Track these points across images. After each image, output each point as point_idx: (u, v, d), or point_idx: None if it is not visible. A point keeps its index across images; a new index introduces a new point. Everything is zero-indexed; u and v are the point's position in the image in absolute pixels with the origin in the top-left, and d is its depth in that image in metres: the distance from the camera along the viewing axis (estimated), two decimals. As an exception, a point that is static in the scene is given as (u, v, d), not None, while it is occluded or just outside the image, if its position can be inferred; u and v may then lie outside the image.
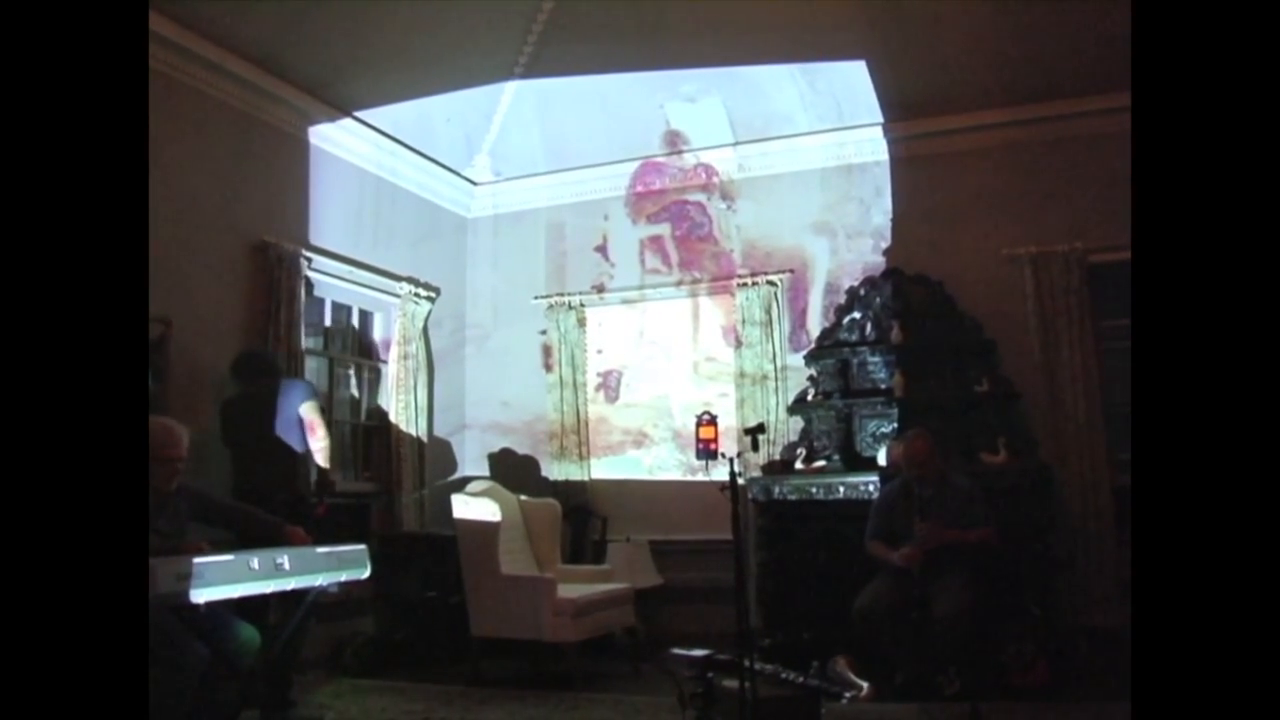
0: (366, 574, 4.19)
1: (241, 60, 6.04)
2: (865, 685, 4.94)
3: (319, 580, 3.94)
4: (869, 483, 6.28)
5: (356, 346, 7.58)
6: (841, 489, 6.40)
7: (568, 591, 5.81)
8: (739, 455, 4.24)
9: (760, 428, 4.24)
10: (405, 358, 7.48)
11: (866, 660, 5.17)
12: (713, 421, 4.56)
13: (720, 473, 7.29)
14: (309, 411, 5.38)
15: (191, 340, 5.61)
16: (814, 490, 6.48)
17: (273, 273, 6.21)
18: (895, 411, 6.71)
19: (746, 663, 3.53)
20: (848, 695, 4.87)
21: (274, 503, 4.78)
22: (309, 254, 6.54)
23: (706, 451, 4.61)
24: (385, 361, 7.60)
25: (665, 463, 7.87)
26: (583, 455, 7.95)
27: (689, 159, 7.95)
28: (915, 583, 5.13)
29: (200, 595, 3.27)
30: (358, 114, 7.03)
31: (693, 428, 7.63)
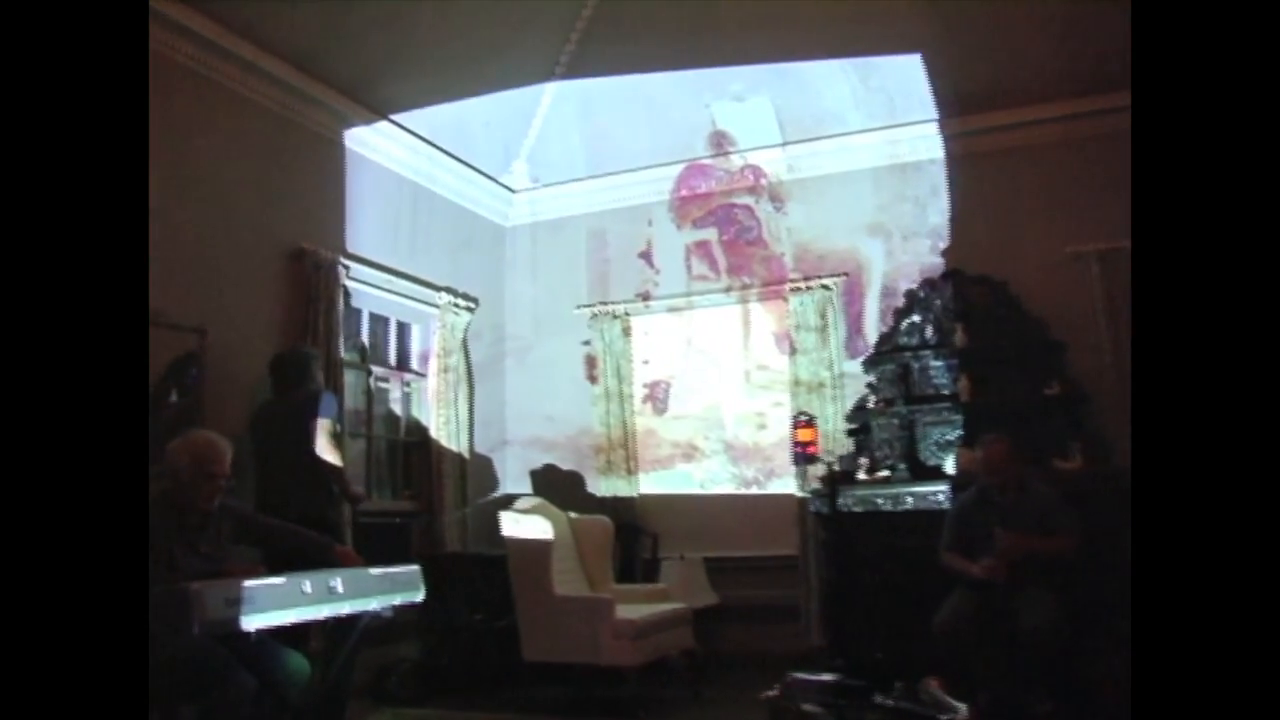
0: (420, 597, 3.96)
1: (278, 60, 5.83)
2: (963, 707, 4.62)
3: (372, 604, 3.69)
4: (938, 492, 5.99)
5: (395, 358, 7.31)
6: (909, 499, 6.11)
7: (626, 612, 5.53)
8: (838, 460, 3.92)
9: (864, 427, 3.93)
10: (445, 370, 7.23)
11: (950, 679, 4.86)
12: (811, 423, 4.24)
13: (778, 485, 7.16)
14: (324, 429, 5.07)
15: (226, 351, 5.35)
16: (879, 501, 6.18)
17: (310, 281, 5.96)
18: (960, 418, 6.42)
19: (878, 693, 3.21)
20: (944, 719, 4.54)
21: (306, 523, 4.51)
22: (346, 262, 6.30)
23: (805, 456, 4.28)
24: (424, 374, 7.34)
25: (717, 476, 7.60)
26: (630, 470, 7.68)
27: (736, 160, 7.69)
28: (999, 596, 4.81)
29: (251, 622, 2.99)
30: (394, 117, 6.81)
31: (745, 439, 7.51)
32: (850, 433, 3.95)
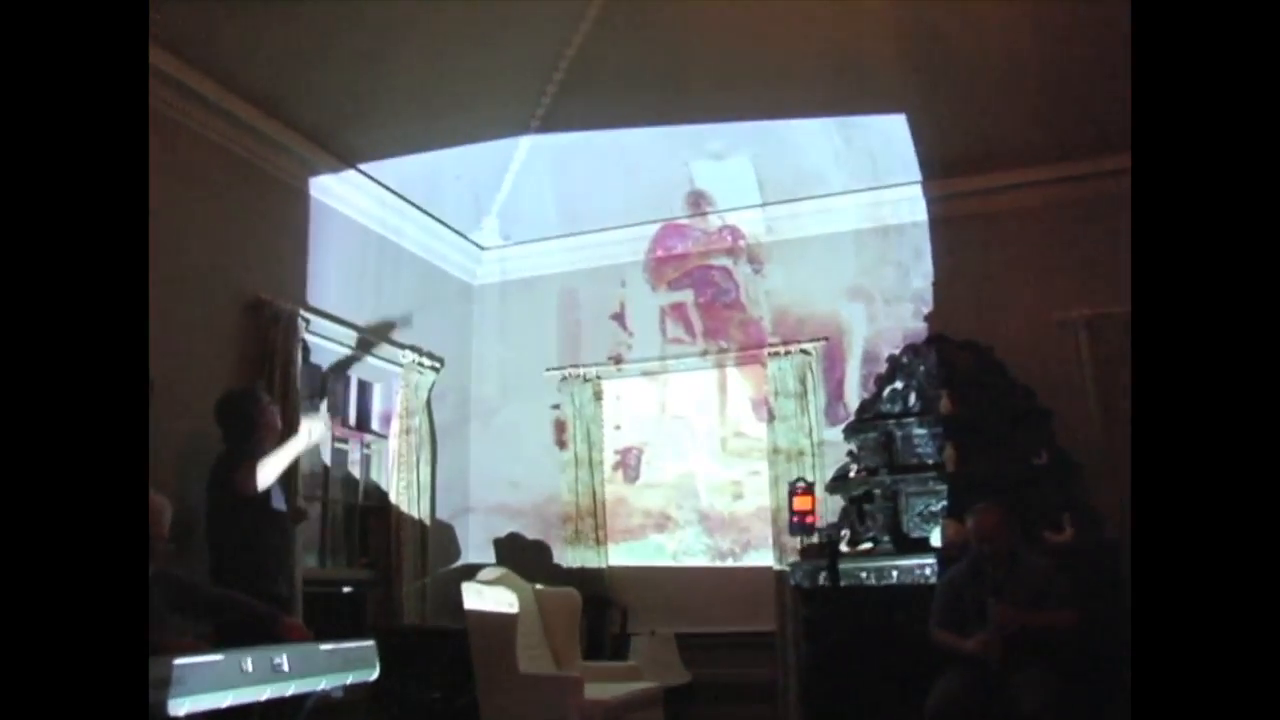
0: (375, 674, 3.63)
1: (242, 101, 5.59)
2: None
3: (321, 683, 3.35)
4: (925, 565, 5.76)
5: (355, 418, 7.00)
6: (894, 573, 5.86)
7: (594, 692, 5.26)
8: (839, 532, 3.65)
9: (868, 496, 3.67)
10: (408, 432, 6.91)
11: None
12: (809, 490, 3.96)
13: (755, 558, 6.88)
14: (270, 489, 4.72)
15: (174, 405, 5.00)
16: (863, 575, 5.91)
17: (268, 334, 5.66)
18: (946, 488, 6.21)
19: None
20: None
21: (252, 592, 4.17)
22: (307, 315, 6.01)
23: (802, 526, 3.99)
24: (385, 436, 7.03)
25: (691, 548, 7.31)
26: (599, 540, 7.37)
27: (714, 221, 7.52)
28: (995, 675, 4.53)
29: (182, 705, 2.65)
30: (362, 167, 6.58)
31: (720, 508, 7.24)
32: (853, 500, 3.69)
